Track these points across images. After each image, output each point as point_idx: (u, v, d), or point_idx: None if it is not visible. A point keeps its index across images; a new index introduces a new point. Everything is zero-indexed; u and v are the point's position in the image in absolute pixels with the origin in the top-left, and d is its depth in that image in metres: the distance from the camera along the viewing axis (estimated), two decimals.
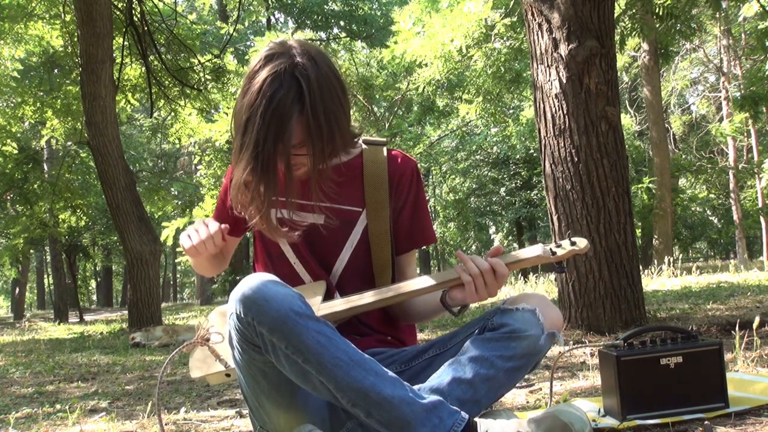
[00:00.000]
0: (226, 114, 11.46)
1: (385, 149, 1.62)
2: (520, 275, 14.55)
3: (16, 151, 12.65)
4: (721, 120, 17.67)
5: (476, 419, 1.32)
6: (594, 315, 3.89)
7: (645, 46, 13.46)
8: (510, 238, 26.26)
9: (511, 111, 16.98)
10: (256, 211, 1.44)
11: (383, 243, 1.59)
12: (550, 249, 1.43)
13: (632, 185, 11.17)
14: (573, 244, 1.44)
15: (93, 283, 33.98)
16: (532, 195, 21.62)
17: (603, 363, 1.75)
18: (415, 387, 1.40)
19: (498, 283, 1.41)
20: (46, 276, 28.34)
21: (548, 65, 4.03)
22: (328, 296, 1.57)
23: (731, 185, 18.02)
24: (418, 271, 1.75)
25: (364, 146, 1.62)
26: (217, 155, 14.04)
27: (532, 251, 1.43)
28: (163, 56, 10.05)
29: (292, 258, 1.61)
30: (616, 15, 5.28)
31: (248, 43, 19.89)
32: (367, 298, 1.50)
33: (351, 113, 1.49)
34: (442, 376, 1.40)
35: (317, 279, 1.59)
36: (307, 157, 1.41)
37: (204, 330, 1.53)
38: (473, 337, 1.44)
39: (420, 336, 4.15)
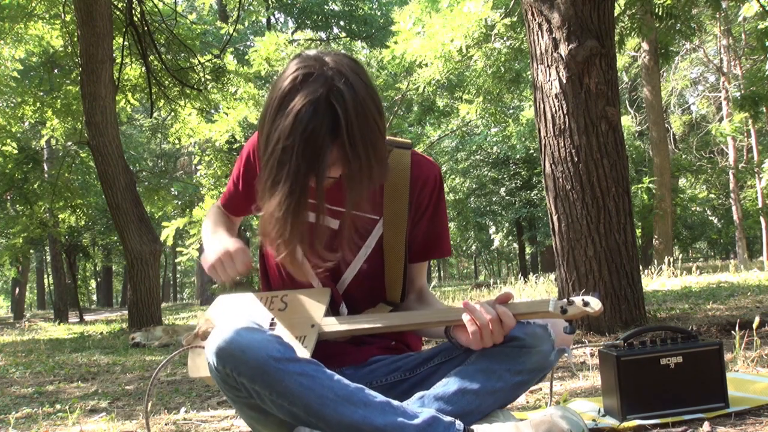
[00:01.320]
0: (226, 114, 11.46)
1: (410, 153, 1.54)
2: (520, 275, 14.54)
3: (16, 151, 12.63)
4: (721, 120, 17.66)
5: (473, 426, 1.31)
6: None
7: (645, 46, 13.47)
8: (510, 238, 26.27)
9: (511, 111, 16.97)
10: (284, 246, 1.36)
11: (398, 255, 1.54)
12: (561, 307, 1.37)
13: (632, 185, 11.17)
14: (586, 305, 1.36)
15: (93, 283, 33.98)
16: (532, 195, 21.64)
17: (603, 363, 1.75)
18: (420, 394, 1.39)
19: (504, 332, 1.36)
20: (46, 276, 28.33)
21: (548, 65, 4.03)
22: (333, 305, 1.54)
23: (731, 185, 18.03)
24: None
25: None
26: (217, 155, 14.01)
27: (542, 305, 1.38)
28: (163, 56, 10.05)
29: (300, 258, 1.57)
30: (616, 15, 5.28)
31: (248, 43, 19.87)
32: (371, 322, 1.47)
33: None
34: (448, 384, 1.38)
35: (324, 285, 1.56)
36: (342, 178, 1.34)
37: (206, 325, 1.52)
38: (482, 348, 1.41)
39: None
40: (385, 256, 1.54)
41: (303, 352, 1.38)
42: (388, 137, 1.53)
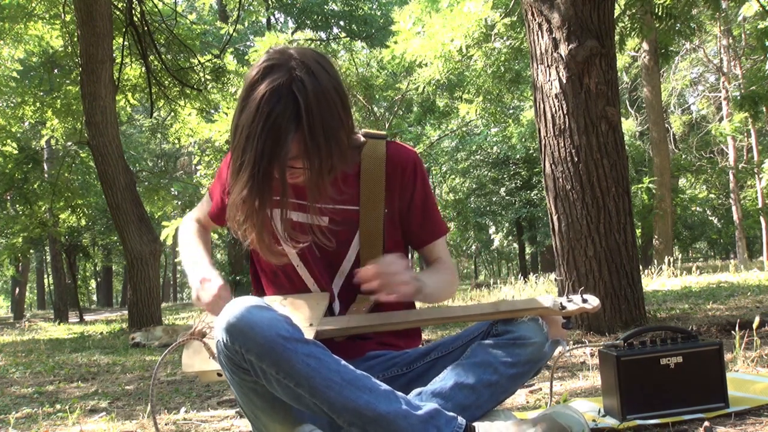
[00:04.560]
0: (226, 114, 11.47)
1: (384, 143, 1.58)
2: (520, 275, 14.55)
3: (16, 151, 12.64)
4: (721, 120, 17.66)
5: (475, 423, 1.32)
6: (594, 315, 3.89)
7: (645, 46, 13.47)
8: (510, 238, 26.28)
9: (511, 111, 16.96)
10: (251, 229, 1.41)
11: (374, 242, 1.56)
12: (560, 303, 1.42)
13: (632, 185, 11.16)
14: (584, 301, 1.42)
15: (93, 283, 33.96)
16: (532, 195, 21.64)
17: (603, 363, 1.75)
18: (417, 390, 1.40)
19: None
20: (46, 276, 28.34)
21: (548, 65, 4.03)
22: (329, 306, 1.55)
23: (731, 185, 18.01)
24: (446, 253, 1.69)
25: (362, 140, 1.57)
26: (217, 155, 14.03)
27: (540, 301, 1.42)
28: (163, 56, 10.05)
29: (295, 260, 1.58)
30: (616, 15, 5.28)
31: (248, 43, 19.87)
32: (368, 320, 1.48)
33: (353, 124, 1.45)
34: (444, 380, 1.39)
35: (319, 283, 1.57)
36: (304, 170, 1.37)
37: (204, 324, 1.52)
38: (477, 342, 1.44)
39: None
40: (361, 243, 1.56)
41: None
42: (364, 130, 1.58)
